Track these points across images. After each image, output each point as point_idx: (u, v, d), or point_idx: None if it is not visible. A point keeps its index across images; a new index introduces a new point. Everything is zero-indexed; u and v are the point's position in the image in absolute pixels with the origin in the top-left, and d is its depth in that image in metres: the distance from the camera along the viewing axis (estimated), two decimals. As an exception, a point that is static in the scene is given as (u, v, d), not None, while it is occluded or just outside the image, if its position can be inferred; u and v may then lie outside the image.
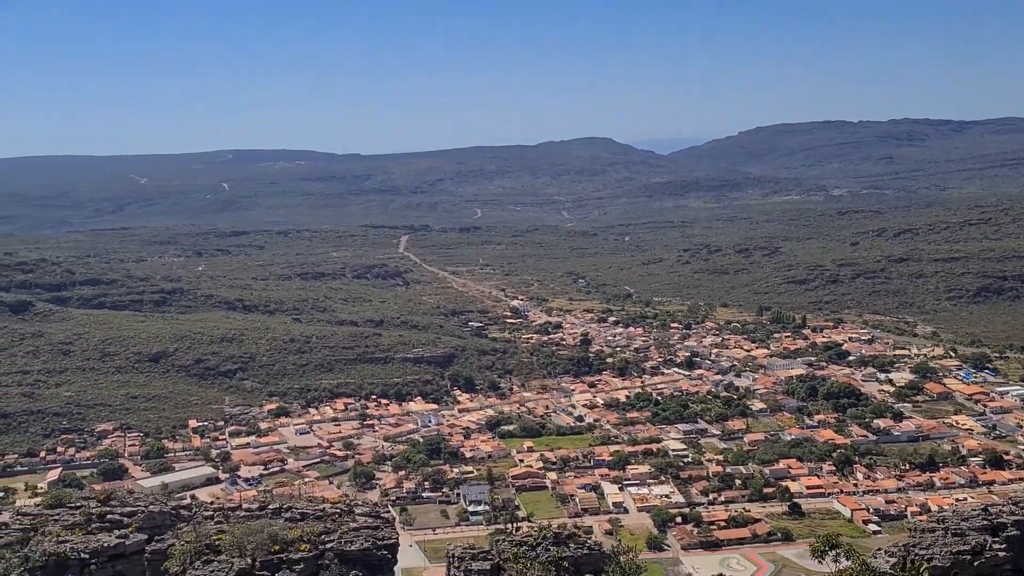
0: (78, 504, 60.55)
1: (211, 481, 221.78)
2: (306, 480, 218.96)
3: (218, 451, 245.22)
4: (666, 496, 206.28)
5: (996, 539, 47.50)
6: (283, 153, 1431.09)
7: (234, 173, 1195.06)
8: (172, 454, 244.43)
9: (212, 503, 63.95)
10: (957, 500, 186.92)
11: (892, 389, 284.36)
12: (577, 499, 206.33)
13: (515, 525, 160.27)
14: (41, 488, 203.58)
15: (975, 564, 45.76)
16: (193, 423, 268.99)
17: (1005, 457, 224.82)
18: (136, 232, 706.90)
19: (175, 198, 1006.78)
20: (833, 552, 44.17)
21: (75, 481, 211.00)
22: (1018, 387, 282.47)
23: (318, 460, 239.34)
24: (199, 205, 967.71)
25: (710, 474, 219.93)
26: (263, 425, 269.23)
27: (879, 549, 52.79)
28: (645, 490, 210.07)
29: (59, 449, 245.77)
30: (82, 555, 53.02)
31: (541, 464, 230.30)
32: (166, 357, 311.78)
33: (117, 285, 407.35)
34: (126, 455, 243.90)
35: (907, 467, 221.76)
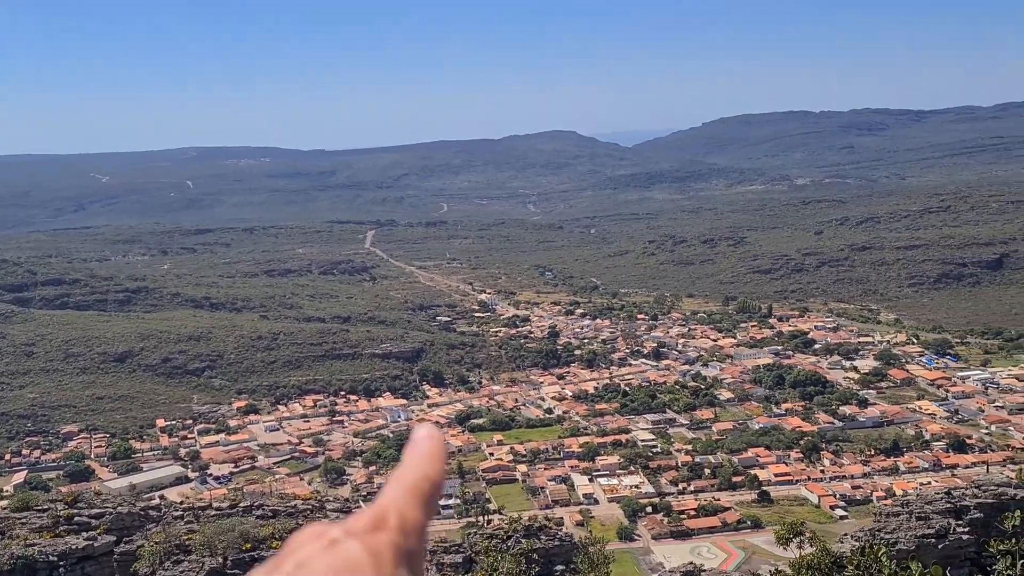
0: (45, 507, 60.23)
1: (180, 480, 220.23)
2: (277, 477, 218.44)
3: (187, 450, 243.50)
4: (636, 486, 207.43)
5: (959, 522, 48.35)
6: (248, 150, 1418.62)
7: (199, 170, 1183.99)
8: (140, 454, 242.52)
9: (182, 503, 63.80)
10: (921, 484, 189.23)
11: (857, 376, 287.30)
12: (547, 491, 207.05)
13: (486, 518, 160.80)
14: (7, 491, 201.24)
15: (939, 547, 46.57)
16: (161, 422, 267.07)
17: (967, 441, 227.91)
18: (99, 231, 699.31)
19: (139, 196, 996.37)
20: (797, 539, 44.96)
21: (41, 484, 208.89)
22: (979, 372, 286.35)
23: (288, 457, 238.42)
24: (163, 203, 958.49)
25: (679, 464, 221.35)
26: (232, 423, 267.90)
27: (845, 534, 53.66)
28: (615, 481, 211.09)
29: (24, 452, 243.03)
30: (50, 558, 52.79)
31: (511, 457, 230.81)
32: (132, 356, 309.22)
33: (80, 285, 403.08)
34: (93, 456, 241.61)
35: (872, 452, 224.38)
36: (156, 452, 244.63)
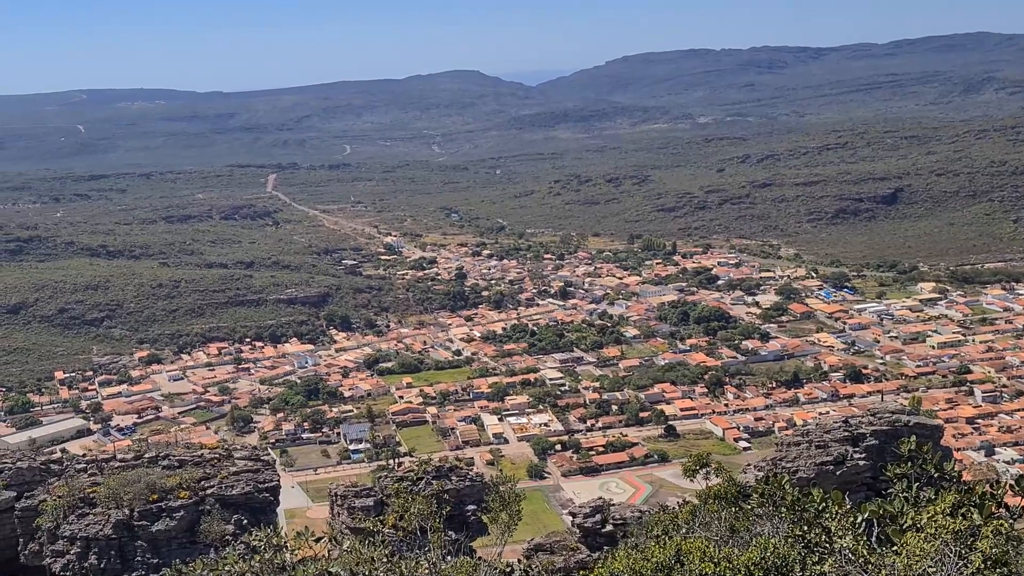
0: (-60, 464, 58.27)
1: (82, 433, 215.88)
2: (182, 427, 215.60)
3: (88, 402, 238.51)
4: (545, 425, 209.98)
5: (856, 449, 50.05)
6: (141, 92, 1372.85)
7: (90, 114, 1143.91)
8: (39, 408, 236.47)
9: (84, 455, 62.40)
10: (820, 414, 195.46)
11: (759, 311, 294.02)
12: (458, 432, 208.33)
13: (397, 461, 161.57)
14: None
15: (837, 474, 48.17)
16: (60, 375, 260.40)
17: (863, 371, 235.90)
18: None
19: (26, 141, 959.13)
20: (703, 470, 46.07)
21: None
22: (874, 304, 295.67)
23: (194, 406, 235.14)
24: (53, 148, 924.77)
25: (587, 401, 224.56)
26: (134, 373, 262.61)
27: (749, 464, 55.18)
28: (524, 420, 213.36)
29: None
30: (-52, 516, 51.18)
31: (421, 399, 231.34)
32: (26, 308, 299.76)
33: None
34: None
35: (774, 385, 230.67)
36: (56, 405, 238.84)
